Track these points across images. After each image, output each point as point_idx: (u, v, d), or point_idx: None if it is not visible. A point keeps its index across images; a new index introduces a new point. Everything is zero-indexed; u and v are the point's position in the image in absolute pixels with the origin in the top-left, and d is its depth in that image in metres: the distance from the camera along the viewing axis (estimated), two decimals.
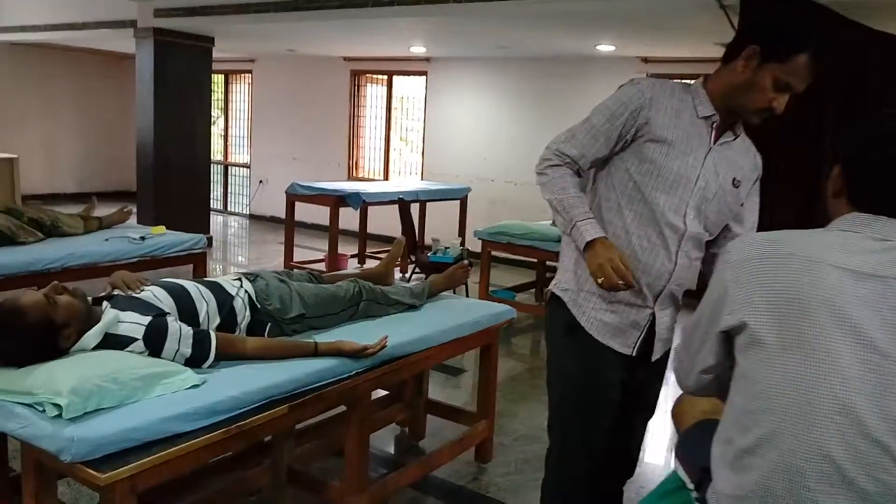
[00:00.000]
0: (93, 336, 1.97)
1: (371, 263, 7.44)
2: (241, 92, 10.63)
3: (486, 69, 8.08)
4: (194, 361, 2.07)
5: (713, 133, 1.85)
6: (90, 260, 3.72)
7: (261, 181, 10.25)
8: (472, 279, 5.32)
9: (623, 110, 1.82)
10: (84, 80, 11.18)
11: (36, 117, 10.68)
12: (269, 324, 2.42)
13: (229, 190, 10.80)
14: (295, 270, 2.86)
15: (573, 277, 1.96)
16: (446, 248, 5.81)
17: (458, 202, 7.54)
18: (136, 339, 2.00)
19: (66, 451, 1.61)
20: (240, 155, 10.79)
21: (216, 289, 2.38)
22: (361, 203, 6.32)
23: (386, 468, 3.10)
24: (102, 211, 4.58)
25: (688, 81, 2.00)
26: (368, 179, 9.14)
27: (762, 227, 1.86)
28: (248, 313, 2.39)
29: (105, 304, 2.11)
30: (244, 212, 10.60)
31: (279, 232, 9.29)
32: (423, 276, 5.55)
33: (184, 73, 7.46)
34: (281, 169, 10.00)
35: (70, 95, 11.05)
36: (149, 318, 2.05)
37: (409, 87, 9.13)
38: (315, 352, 2.25)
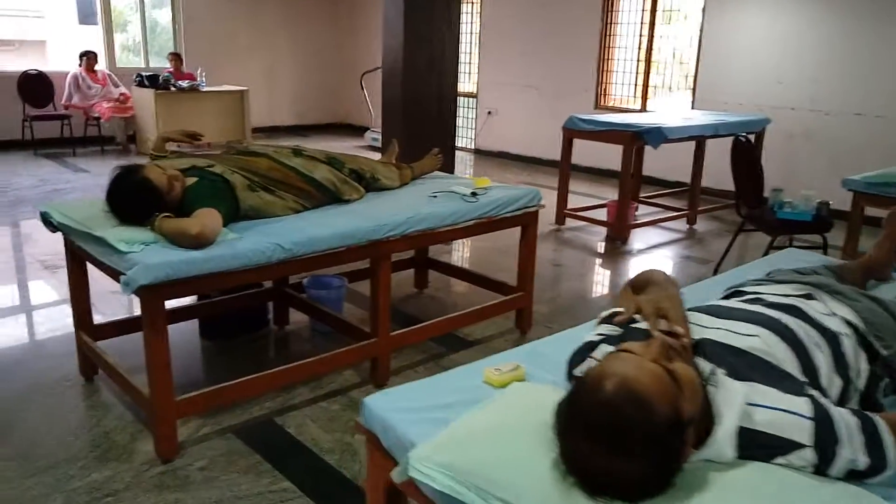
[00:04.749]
0: (727, 439, 1.07)
1: (646, 211, 6.33)
2: (466, 13, 9.63)
3: None
4: (866, 476, 1.13)
5: None
6: (430, 224, 2.91)
7: (489, 112, 9.33)
8: (835, 241, 4.05)
9: None
10: (295, 7, 10.71)
11: (256, 49, 10.39)
12: (886, 380, 1.43)
13: None
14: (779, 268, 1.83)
15: None
16: (789, 200, 4.56)
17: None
18: (803, 446, 1.08)
19: None
20: (464, 83, 9.88)
21: (809, 321, 1.41)
22: (663, 140, 5.18)
23: None
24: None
25: None
26: (621, 110, 7.92)
27: None
28: (864, 366, 1.41)
29: (710, 369, 1.19)
30: (468, 146, 9.78)
31: (513, 169, 8.41)
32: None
33: None
34: (512, 98, 9.02)
35: (284, 25, 10.64)
36: (805, 401, 1.12)
37: None
38: None
